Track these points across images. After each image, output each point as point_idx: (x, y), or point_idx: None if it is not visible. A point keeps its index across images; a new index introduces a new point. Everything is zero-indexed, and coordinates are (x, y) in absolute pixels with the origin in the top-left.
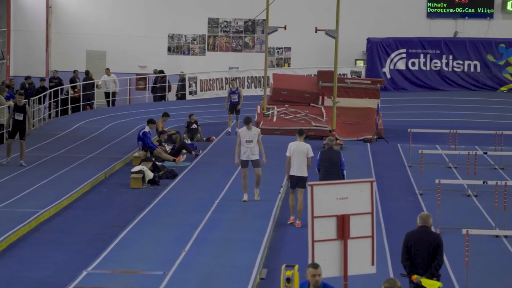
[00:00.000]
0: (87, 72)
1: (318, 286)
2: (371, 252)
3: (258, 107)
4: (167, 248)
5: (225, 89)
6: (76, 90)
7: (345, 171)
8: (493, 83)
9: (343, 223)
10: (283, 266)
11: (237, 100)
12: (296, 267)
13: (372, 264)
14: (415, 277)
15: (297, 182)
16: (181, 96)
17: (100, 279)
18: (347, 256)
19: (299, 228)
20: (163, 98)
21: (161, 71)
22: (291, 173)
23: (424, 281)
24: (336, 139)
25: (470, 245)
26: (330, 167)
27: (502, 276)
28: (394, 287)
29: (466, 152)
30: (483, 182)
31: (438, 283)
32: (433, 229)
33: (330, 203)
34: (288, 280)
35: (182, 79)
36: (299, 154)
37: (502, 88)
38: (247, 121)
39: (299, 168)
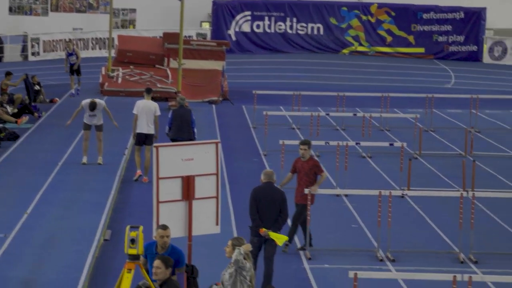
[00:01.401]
0: None
1: (166, 247)
2: (216, 213)
3: (103, 68)
4: (8, 210)
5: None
6: None
7: (195, 129)
8: (336, 45)
9: (188, 184)
10: (128, 227)
11: (75, 61)
12: (141, 228)
13: (217, 224)
14: (263, 230)
15: (145, 140)
16: None
17: None
18: (192, 217)
19: (144, 189)
20: None
21: None
22: (138, 131)
23: (272, 234)
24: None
25: (313, 204)
26: (181, 126)
27: (342, 233)
28: (241, 244)
29: (309, 113)
30: (325, 143)
31: (285, 237)
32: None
33: (175, 164)
34: (133, 241)
35: None
36: (147, 112)
37: (344, 51)
38: (92, 107)
39: (147, 126)
